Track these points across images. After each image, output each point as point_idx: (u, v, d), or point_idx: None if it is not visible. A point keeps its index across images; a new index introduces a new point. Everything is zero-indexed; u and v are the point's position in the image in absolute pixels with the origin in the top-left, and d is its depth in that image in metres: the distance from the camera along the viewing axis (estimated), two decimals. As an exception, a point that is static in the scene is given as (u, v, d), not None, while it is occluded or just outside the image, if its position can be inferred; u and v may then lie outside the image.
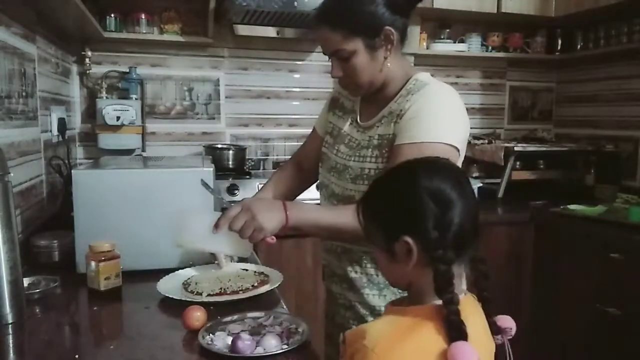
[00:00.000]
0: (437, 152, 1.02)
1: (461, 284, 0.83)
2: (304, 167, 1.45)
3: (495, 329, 0.84)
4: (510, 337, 0.85)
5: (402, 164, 0.87)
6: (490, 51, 3.02)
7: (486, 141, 2.85)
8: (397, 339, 0.73)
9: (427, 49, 2.92)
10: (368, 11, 1.10)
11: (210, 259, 1.46)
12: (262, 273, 1.36)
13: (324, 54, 1.18)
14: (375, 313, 1.21)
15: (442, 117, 1.12)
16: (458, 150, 1.12)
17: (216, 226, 1.07)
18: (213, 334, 1.00)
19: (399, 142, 1.12)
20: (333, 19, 1.12)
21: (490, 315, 0.84)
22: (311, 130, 1.47)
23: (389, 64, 1.15)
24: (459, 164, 1.17)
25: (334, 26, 1.12)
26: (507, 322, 0.85)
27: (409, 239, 0.76)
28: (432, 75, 1.24)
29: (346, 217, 1.03)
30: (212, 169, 1.47)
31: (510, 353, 0.83)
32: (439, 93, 1.16)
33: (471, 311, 0.79)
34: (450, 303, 0.73)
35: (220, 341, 0.97)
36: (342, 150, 1.27)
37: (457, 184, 0.79)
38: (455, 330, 0.72)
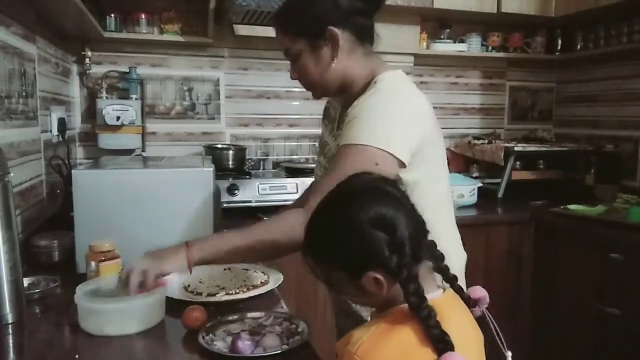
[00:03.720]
0: (367, 156, 1.02)
1: (434, 280, 0.82)
2: None
3: (471, 303, 0.85)
4: (486, 305, 0.85)
5: (328, 202, 0.83)
6: (490, 51, 3.02)
7: (486, 141, 2.85)
8: (378, 340, 0.74)
9: (427, 49, 2.92)
10: (310, 13, 1.12)
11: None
12: (263, 273, 1.36)
13: (284, 55, 1.20)
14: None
15: (380, 119, 1.06)
16: (394, 156, 1.04)
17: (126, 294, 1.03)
18: (213, 334, 1.00)
19: (339, 142, 1.10)
20: (282, 21, 1.16)
21: (462, 291, 0.85)
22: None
23: (334, 64, 1.13)
24: (434, 163, 1.14)
25: (283, 28, 1.16)
26: (478, 292, 0.86)
27: (374, 274, 0.75)
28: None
29: (257, 234, 1.04)
30: (212, 169, 1.47)
31: (493, 322, 0.84)
32: (385, 92, 1.10)
33: (452, 306, 0.80)
34: (428, 318, 0.72)
35: (220, 341, 0.97)
36: (320, 161, 1.26)
37: (390, 199, 0.78)
38: (441, 343, 0.71)
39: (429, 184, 1.11)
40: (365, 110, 1.08)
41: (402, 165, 1.06)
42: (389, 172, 1.02)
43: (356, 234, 0.75)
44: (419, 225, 0.79)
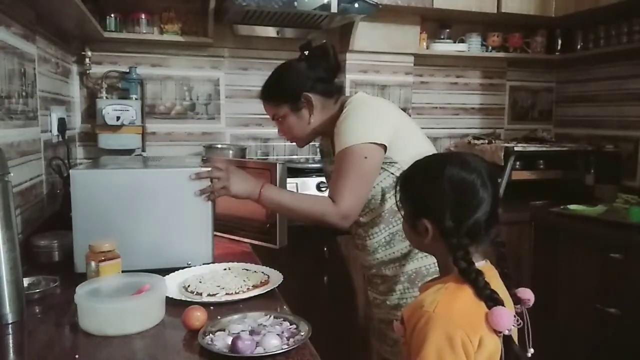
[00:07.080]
0: (356, 153, 1.29)
1: (480, 254, 0.93)
2: None
3: (515, 299, 0.96)
4: (529, 307, 0.98)
5: (437, 154, 1.03)
6: (490, 51, 3.02)
7: (486, 141, 2.85)
8: (450, 299, 0.86)
9: (427, 49, 2.92)
10: (288, 85, 1.45)
11: (209, 259, 1.46)
12: (263, 273, 1.36)
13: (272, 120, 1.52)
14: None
15: (354, 122, 1.34)
16: (376, 143, 1.31)
17: (197, 174, 1.40)
18: (213, 334, 1.00)
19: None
20: (267, 94, 1.49)
21: (510, 287, 0.96)
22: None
23: (312, 120, 1.45)
24: (415, 146, 1.35)
25: (268, 99, 1.49)
26: (526, 294, 0.98)
27: (427, 223, 0.90)
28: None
29: (303, 205, 1.36)
30: (211, 169, 1.47)
31: (528, 320, 0.95)
32: (352, 106, 1.39)
33: (490, 276, 0.89)
34: (476, 281, 0.85)
35: (220, 341, 0.97)
36: None
37: (480, 179, 0.88)
38: (491, 301, 0.84)
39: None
40: (343, 124, 1.36)
41: (385, 147, 1.33)
42: (377, 160, 1.33)
43: (436, 184, 0.89)
44: (488, 220, 0.89)
